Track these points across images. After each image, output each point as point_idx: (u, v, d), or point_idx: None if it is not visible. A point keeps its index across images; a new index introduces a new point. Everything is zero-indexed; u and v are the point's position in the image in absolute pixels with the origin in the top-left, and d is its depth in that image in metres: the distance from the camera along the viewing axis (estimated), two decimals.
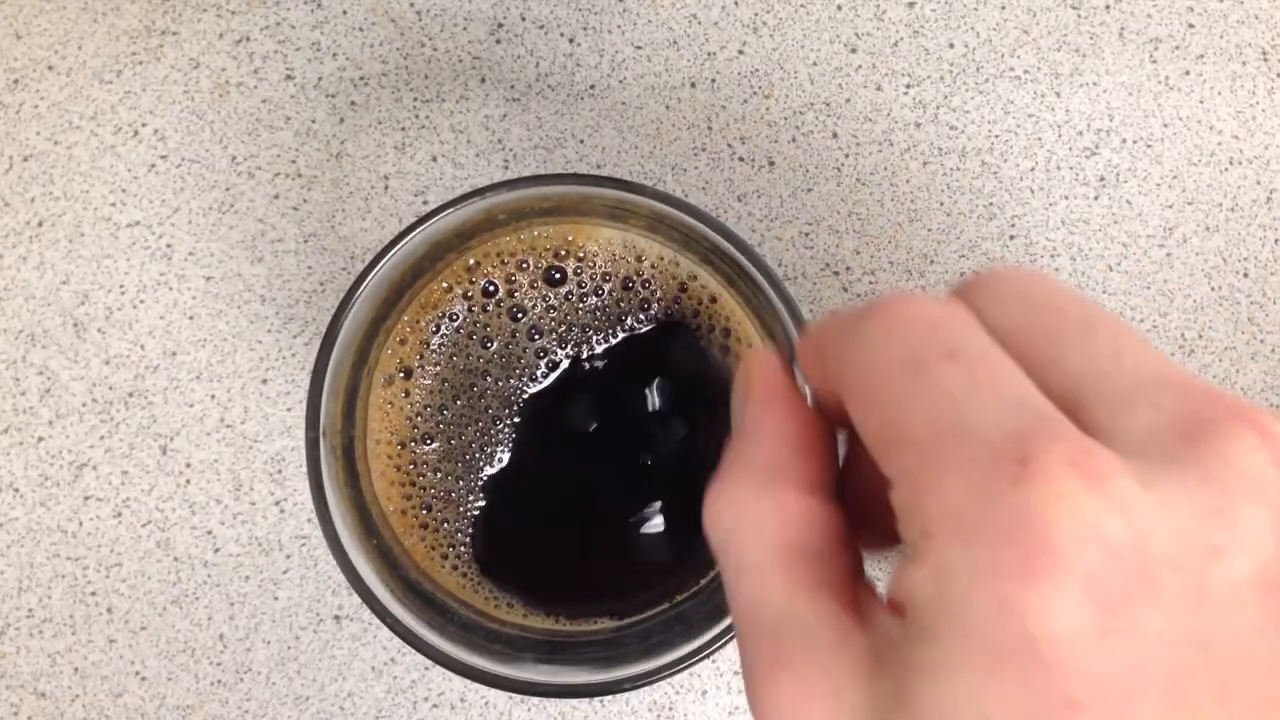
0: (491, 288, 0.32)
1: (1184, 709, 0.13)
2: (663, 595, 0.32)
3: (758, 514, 0.17)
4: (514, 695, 0.37)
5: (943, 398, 0.15)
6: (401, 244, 0.28)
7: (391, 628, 0.28)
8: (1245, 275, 0.39)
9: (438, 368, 0.32)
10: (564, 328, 0.32)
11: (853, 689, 0.15)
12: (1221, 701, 0.13)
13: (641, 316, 0.32)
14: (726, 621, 0.29)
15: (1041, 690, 0.13)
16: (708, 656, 0.29)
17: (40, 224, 0.39)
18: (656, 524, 0.32)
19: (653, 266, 0.32)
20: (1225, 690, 0.13)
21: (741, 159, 0.39)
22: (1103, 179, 0.39)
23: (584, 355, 0.32)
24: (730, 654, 0.37)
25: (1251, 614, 0.14)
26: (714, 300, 0.32)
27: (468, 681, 0.37)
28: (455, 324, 0.32)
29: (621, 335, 0.32)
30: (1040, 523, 0.13)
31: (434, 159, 0.39)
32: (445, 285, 0.32)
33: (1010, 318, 0.17)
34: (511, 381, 0.32)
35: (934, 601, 0.14)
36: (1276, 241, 0.39)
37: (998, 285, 0.18)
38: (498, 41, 0.40)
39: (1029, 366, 0.16)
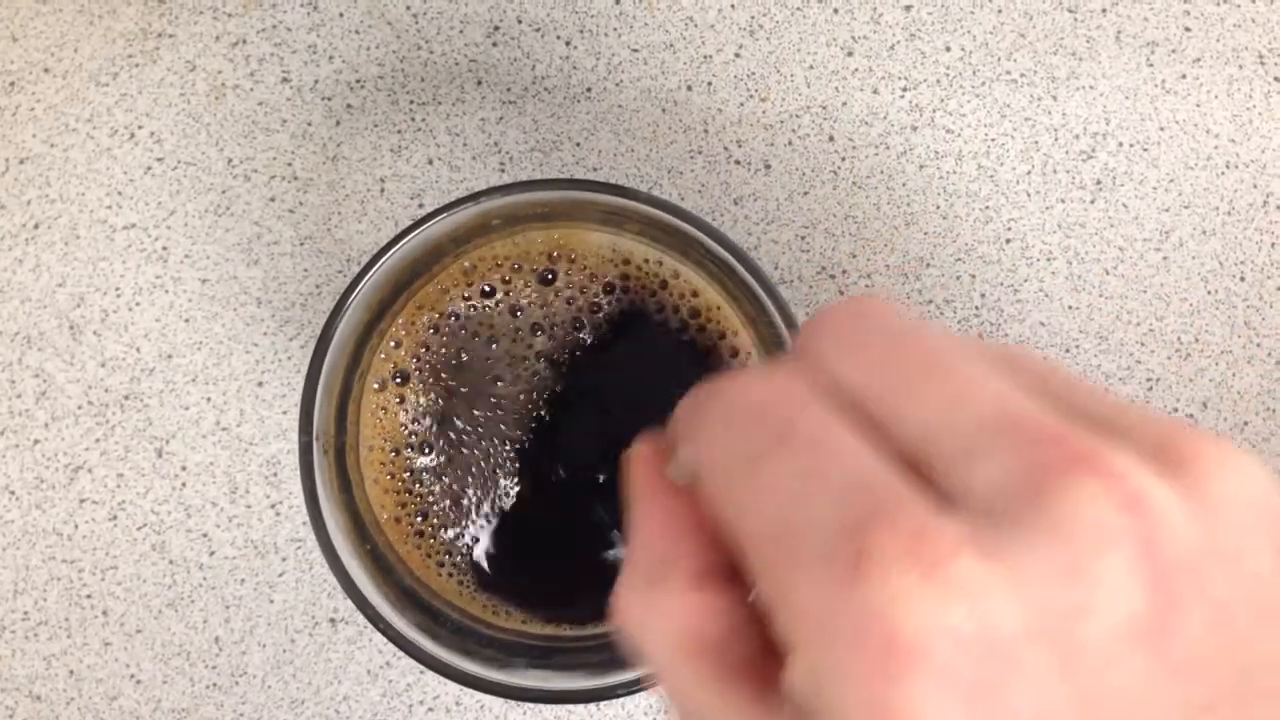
0: (488, 290, 0.32)
1: None
2: None
3: (653, 618, 0.17)
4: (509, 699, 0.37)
5: (778, 492, 0.15)
6: (397, 247, 0.28)
7: (384, 633, 0.28)
8: (1242, 279, 0.39)
9: (432, 372, 0.32)
10: (562, 333, 0.32)
11: None
12: None
13: (642, 323, 0.32)
14: None
15: None
16: None
17: (36, 226, 0.39)
18: None
19: (651, 273, 0.32)
20: None
21: (738, 162, 0.39)
22: (1099, 182, 0.39)
23: (582, 362, 0.32)
24: None
25: (1132, 666, 0.13)
26: (716, 308, 0.32)
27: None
28: (450, 328, 0.32)
29: (620, 343, 0.32)
30: (885, 622, 0.13)
31: (430, 162, 0.39)
32: (441, 288, 0.32)
33: (849, 372, 0.16)
34: (507, 386, 0.32)
35: (814, 702, 0.14)
36: (1273, 245, 0.39)
37: (834, 333, 0.17)
38: (494, 44, 0.40)
39: (875, 426, 0.15)
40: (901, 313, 0.17)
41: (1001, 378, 0.15)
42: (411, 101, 0.39)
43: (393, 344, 0.32)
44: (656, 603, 0.17)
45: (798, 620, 0.14)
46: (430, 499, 0.32)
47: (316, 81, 0.39)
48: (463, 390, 0.32)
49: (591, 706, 0.37)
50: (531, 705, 0.37)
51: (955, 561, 0.13)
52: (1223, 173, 0.40)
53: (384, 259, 0.28)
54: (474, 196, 0.29)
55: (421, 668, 0.37)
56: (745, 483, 0.15)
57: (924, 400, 0.15)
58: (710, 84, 0.39)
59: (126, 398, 0.38)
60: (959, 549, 0.13)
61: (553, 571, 0.33)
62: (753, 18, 0.40)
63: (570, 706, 0.37)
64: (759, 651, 0.17)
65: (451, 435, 0.32)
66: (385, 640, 0.37)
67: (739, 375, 0.17)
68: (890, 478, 0.14)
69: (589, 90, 0.39)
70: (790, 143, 0.39)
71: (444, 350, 0.32)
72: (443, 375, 0.32)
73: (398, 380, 0.32)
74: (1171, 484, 0.14)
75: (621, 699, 0.37)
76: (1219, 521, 0.14)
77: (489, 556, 0.32)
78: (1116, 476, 0.13)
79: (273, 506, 0.38)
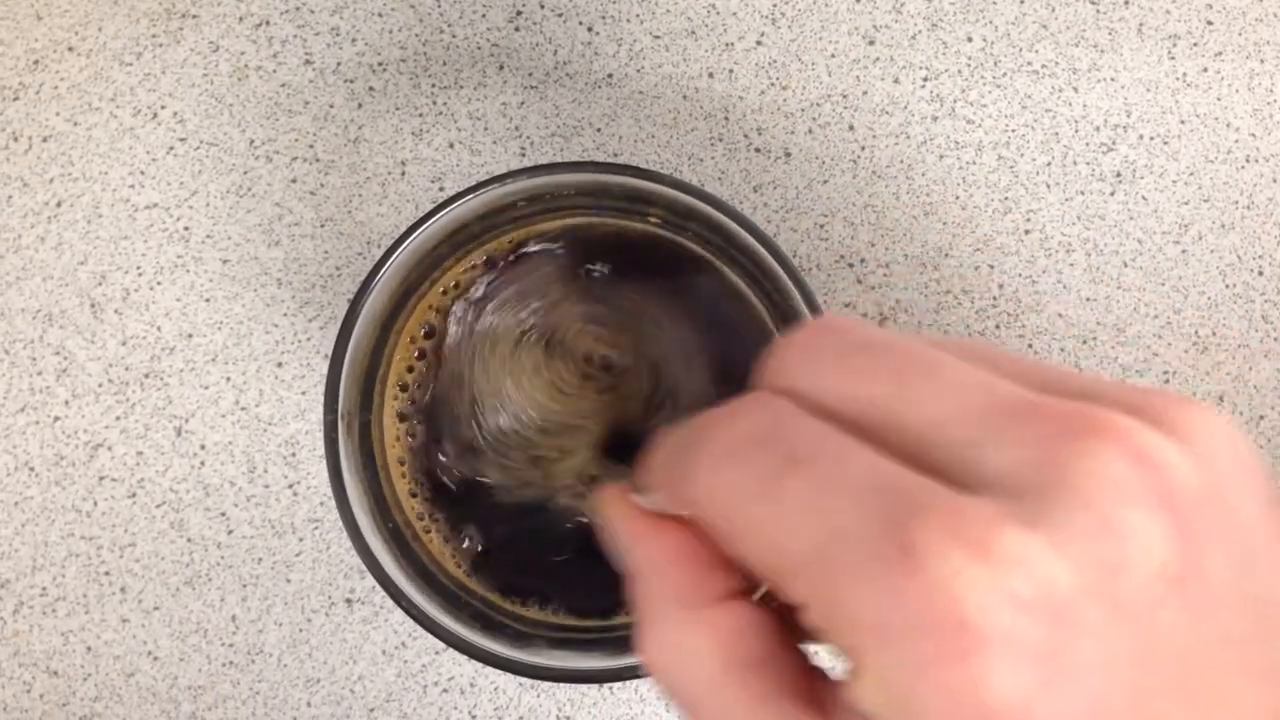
0: (512, 275, 0.32)
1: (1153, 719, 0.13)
2: None
3: (690, 643, 0.17)
4: (523, 681, 0.37)
5: (801, 513, 0.15)
6: (424, 227, 0.29)
7: (407, 610, 0.28)
8: (1260, 273, 0.39)
9: (454, 356, 0.32)
10: (587, 319, 0.32)
11: None
12: (1181, 700, 0.14)
13: (676, 296, 0.32)
14: None
15: None
16: None
17: (59, 204, 0.39)
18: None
19: (676, 253, 0.32)
20: (1181, 688, 0.14)
21: (758, 150, 0.39)
22: (1119, 175, 0.39)
23: (608, 351, 0.32)
24: None
25: (1171, 609, 0.14)
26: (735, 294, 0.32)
27: (478, 666, 0.37)
28: (475, 312, 0.32)
29: (655, 318, 0.32)
30: (946, 603, 0.13)
31: (451, 145, 0.39)
32: (465, 271, 0.32)
33: (828, 388, 0.16)
34: (529, 375, 0.32)
35: (887, 709, 0.14)
36: None
37: (800, 354, 0.17)
38: (516, 29, 0.40)
39: (869, 436, 0.16)
40: (858, 324, 0.17)
41: (977, 369, 0.16)
42: (433, 85, 0.39)
43: (417, 325, 0.32)
44: (693, 625, 0.17)
45: (857, 629, 0.14)
46: (449, 480, 0.32)
47: (339, 64, 0.39)
48: (485, 375, 0.32)
49: (604, 689, 0.37)
50: (546, 686, 0.37)
51: (1001, 535, 0.13)
52: (1243, 167, 0.40)
53: (411, 238, 0.28)
54: (500, 178, 0.29)
55: (436, 648, 0.38)
56: (765, 514, 0.15)
57: (915, 401, 0.16)
58: (731, 71, 0.40)
59: (147, 376, 0.38)
60: (1000, 523, 0.13)
61: (571, 562, 0.33)
62: (775, 5, 0.40)
63: (584, 687, 0.37)
64: (798, 669, 0.17)
65: (474, 418, 0.32)
66: (401, 621, 0.37)
67: (715, 414, 0.17)
68: (909, 474, 0.15)
69: (610, 76, 0.39)
70: (810, 131, 0.39)
71: (468, 334, 0.32)
72: (465, 359, 0.32)
73: (421, 360, 0.32)
74: (1167, 439, 0.14)
75: (636, 680, 0.37)
76: (1212, 472, 0.15)
77: (505, 541, 0.32)
78: (1125, 437, 0.14)
79: (290, 486, 0.38)
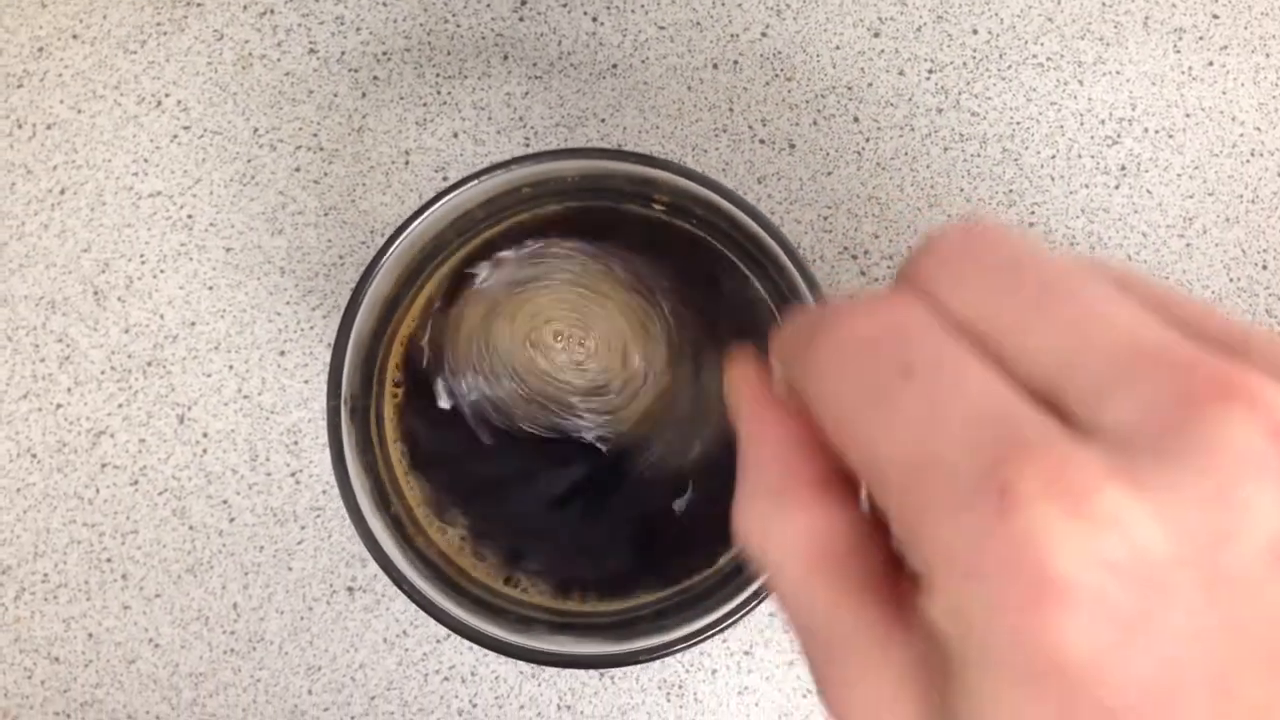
0: (515, 257, 0.32)
1: (1231, 696, 0.13)
2: (679, 576, 0.32)
3: (777, 533, 0.17)
4: (524, 670, 0.37)
5: (906, 428, 0.15)
6: (429, 212, 0.29)
7: (408, 594, 0.28)
8: (1264, 267, 0.39)
9: (456, 342, 0.32)
10: (589, 306, 0.32)
11: (905, 702, 0.15)
12: (1268, 679, 0.13)
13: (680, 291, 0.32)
14: (740, 598, 0.29)
15: (1078, 707, 0.13)
16: (721, 632, 0.29)
17: (62, 192, 0.39)
18: (677, 506, 0.32)
19: (693, 243, 0.32)
20: (1270, 667, 0.13)
21: (762, 141, 0.39)
22: (1124, 168, 0.39)
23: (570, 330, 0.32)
24: (741, 634, 0.37)
25: (1276, 586, 0.13)
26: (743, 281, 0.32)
27: (478, 655, 0.37)
28: (476, 298, 0.32)
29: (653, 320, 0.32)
30: (1033, 555, 0.13)
31: (455, 135, 0.39)
32: (468, 258, 0.32)
33: (965, 300, 0.16)
34: (531, 358, 0.32)
35: (955, 635, 0.14)
36: None
37: (945, 259, 0.17)
38: (521, 19, 0.40)
39: (996, 355, 0.15)
40: (1014, 235, 0.17)
41: (1126, 302, 0.15)
42: (437, 75, 0.39)
43: (419, 312, 0.32)
44: (782, 516, 0.17)
45: (940, 558, 0.14)
46: (450, 466, 0.32)
47: (343, 53, 0.39)
48: (486, 359, 0.32)
49: (605, 678, 0.37)
50: (546, 675, 0.37)
51: (1101, 493, 0.13)
52: (1248, 160, 0.39)
53: (414, 225, 0.28)
54: (504, 164, 0.29)
55: (437, 637, 0.38)
56: (870, 421, 0.15)
57: (1050, 331, 0.15)
58: (736, 62, 0.39)
59: (149, 364, 0.38)
60: (1104, 480, 0.13)
61: (573, 546, 0.33)
62: None
63: (584, 677, 0.37)
64: (885, 564, 0.17)
65: (474, 402, 0.32)
66: (403, 609, 0.37)
67: (845, 307, 0.16)
68: (1024, 408, 0.14)
69: (615, 66, 0.39)
70: (815, 123, 0.39)
71: (469, 321, 0.32)
72: (466, 346, 0.32)
73: (423, 347, 0.32)
74: None
75: (636, 671, 0.37)
76: None
77: (508, 526, 0.32)
78: (1264, 404, 0.13)
79: (292, 475, 0.38)
